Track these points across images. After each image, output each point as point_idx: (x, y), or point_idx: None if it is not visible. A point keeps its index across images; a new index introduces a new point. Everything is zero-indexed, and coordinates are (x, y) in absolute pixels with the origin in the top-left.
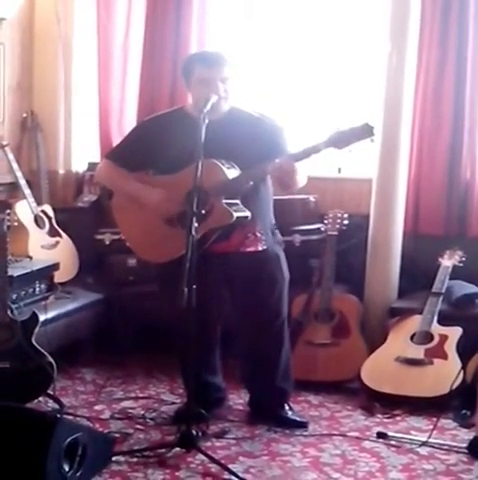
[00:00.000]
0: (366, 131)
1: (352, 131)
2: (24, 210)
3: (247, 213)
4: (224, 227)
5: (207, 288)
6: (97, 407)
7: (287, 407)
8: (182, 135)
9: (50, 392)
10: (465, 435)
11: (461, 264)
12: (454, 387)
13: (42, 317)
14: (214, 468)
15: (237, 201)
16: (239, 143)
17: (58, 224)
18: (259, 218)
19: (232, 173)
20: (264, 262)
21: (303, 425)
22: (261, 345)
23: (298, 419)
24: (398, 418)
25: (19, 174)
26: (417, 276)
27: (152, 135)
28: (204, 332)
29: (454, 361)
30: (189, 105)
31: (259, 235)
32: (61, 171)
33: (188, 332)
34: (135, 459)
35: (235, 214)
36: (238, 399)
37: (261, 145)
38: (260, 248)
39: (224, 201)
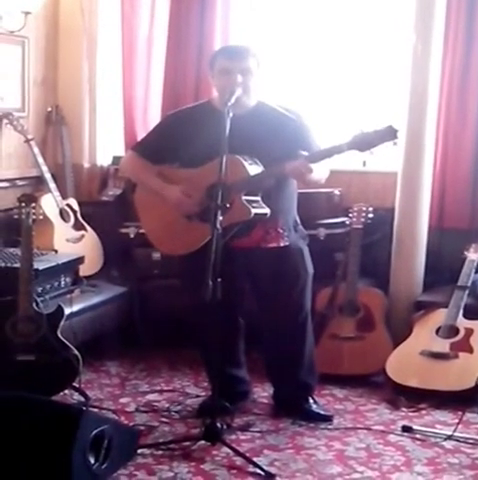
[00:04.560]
0: (390, 134)
1: (376, 133)
2: (49, 204)
3: (266, 210)
4: (242, 223)
5: (229, 282)
6: (122, 400)
7: (311, 400)
8: (207, 129)
9: (76, 385)
10: None
11: None
12: None
13: (67, 310)
14: (239, 461)
15: (258, 198)
16: (263, 139)
17: (83, 218)
18: (281, 214)
19: (254, 169)
20: (286, 257)
21: (328, 419)
22: (284, 339)
23: (322, 413)
24: (423, 412)
25: (44, 168)
26: (442, 270)
27: (177, 128)
28: (228, 325)
29: None
30: (215, 98)
31: (281, 231)
32: (86, 165)
33: (212, 325)
34: (160, 452)
35: (253, 211)
36: (262, 392)
37: (285, 142)
38: (282, 244)
39: (244, 197)
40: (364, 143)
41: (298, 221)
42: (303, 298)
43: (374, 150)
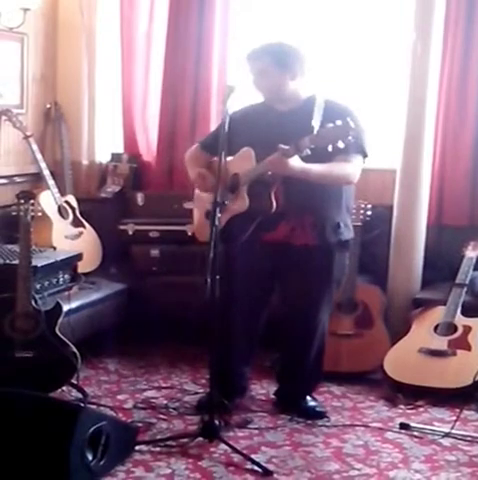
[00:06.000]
0: (345, 130)
1: (332, 130)
2: (48, 200)
3: (268, 205)
4: (252, 215)
5: (253, 277)
6: (120, 397)
7: (309, 398)
8: (253, 124)
9: (74, 382)
10: None
11: None
12: (477, 378)
13: (66, 307)
14: (236, 458)
15: (267, 191)
16: (292, 135)
17: (81, 214)
18: (309, 212)
19: None
20: (312, 258)
21: (321, 415)
22: (294, 338)
23: (318, 409)
24: (421, 409)
25: (43, 165)
26: (441, 267)
27: (234, 123)
28: (249, 320)
29: None
30: None
31: (309, 229)
32: (85, 162)
33: (214, 321)
34: (158, 449)
35: (247, 203)
36: (260, 389)
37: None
38: (311, 243)
39: (251, 189)
40: (323, 138)
41: (341, 224)
42: (319, 302)
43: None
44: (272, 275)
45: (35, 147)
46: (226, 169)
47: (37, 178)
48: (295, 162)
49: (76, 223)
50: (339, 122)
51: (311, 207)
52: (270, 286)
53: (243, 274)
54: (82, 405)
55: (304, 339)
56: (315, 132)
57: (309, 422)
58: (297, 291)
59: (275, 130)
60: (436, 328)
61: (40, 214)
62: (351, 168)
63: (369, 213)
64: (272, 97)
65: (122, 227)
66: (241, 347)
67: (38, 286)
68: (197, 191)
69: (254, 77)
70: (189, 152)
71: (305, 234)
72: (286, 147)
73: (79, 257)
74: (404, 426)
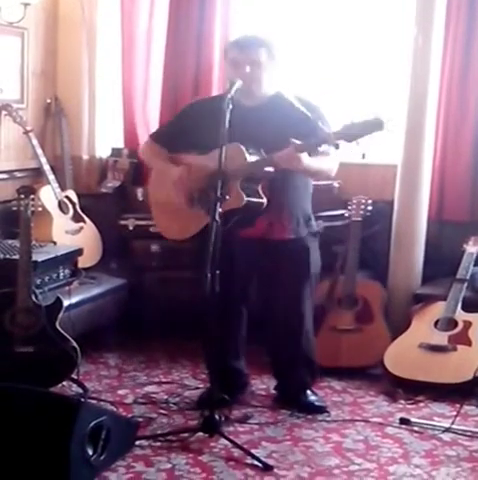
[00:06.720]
0: (376, 125)
1: (362, 124)
2: (48, 195)
3: (262, 200)
4: (237, 210)
5: (233, 272)
6: (121, 392)
7: (309, 392)
8: (221, 119)
9: (74, 377)
10: None
11: None
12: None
13: (66, 302)
14: (237, 453)
15: (257, 187)
16: (274, 132)
17: (82, 209)
18: (286, 207)
19: (254, 159)
20: (289, 252)
21: (321, 409)
22: (281, 333)
23: (316, 403)
24: (421, 404)
25: (43, 160)
26: (441, 262)
27: (193, 118)
28: (230, 315)
29: None
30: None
31: (286, 224)
32: (85, 157)
33: (212, 317)
34: (158, 443)
35: (245, 199)
36: (261, 385)
37: (295, 136)
38: (287, 237)
39: (241, 185)
40: (351, 134)
41: (311, 216)
42: (301, 296)
43: (360, 141)
44: (249, 270)
45: (35, 142)
46: (205, 165)
47: (37, 173)
48: (305, 157)
49: (76, 218)
50: (371, 116)
51: (288, 201)
52: (248, 281)
53: (224, 271)
54: (82, 400)
55: (291, 335)
56: (346, 125)
57: (309, 417)
58: (278, 287)
59: (249, 126)
60: (436, 323)
61: (40, 209)
62: (333, 162)
63: (369, 208)
64: (250, 90)
65: (122, 222)
66: (226, 342)
67: (38, 281)
68: (151, 189)
69: (244, 68)
70: (146, 147)
71: (283, 228)
72: (299, 142)
73: (79, 252)
74: (404, 421)
